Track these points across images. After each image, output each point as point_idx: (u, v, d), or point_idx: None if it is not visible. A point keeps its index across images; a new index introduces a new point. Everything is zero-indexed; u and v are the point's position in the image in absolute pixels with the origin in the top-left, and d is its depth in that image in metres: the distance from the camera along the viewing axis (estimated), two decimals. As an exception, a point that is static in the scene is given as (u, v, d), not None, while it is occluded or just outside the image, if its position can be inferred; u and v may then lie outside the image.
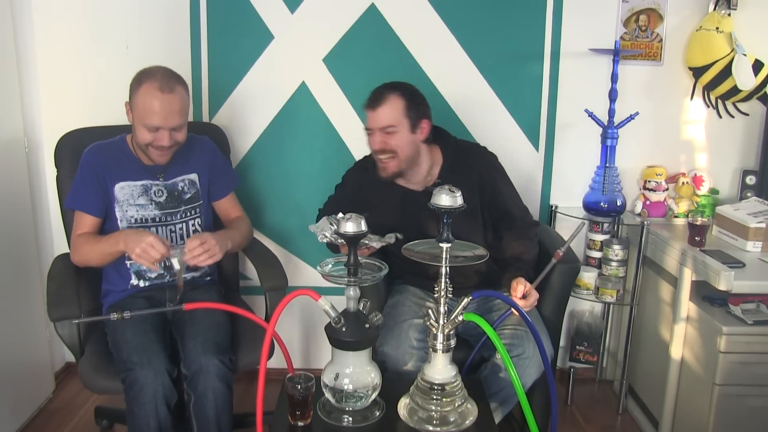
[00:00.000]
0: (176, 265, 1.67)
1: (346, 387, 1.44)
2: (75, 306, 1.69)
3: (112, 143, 1.84)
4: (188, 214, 1.87)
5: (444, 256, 1.42)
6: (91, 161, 1.79)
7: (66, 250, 1.95)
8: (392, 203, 1.92)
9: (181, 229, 1.87)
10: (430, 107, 1.94)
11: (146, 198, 1.82)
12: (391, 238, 1.72)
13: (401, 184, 1.94)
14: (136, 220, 1.80)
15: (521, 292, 1.78)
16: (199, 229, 1.90)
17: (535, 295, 1.81)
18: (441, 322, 1.44)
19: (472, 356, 1.83)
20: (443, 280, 1.43)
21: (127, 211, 1.80)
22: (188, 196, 1.87)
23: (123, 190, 1.80)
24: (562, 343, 2.41)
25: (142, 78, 1.71)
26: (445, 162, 1.93)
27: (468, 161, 1.94)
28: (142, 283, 1.83)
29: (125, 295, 1.82)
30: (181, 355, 1.67)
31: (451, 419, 1.44)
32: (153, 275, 1.84)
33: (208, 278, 1.94)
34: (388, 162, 1.86)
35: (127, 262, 1.82)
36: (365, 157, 2.05)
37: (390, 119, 1.81)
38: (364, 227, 1.42)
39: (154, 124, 1.68)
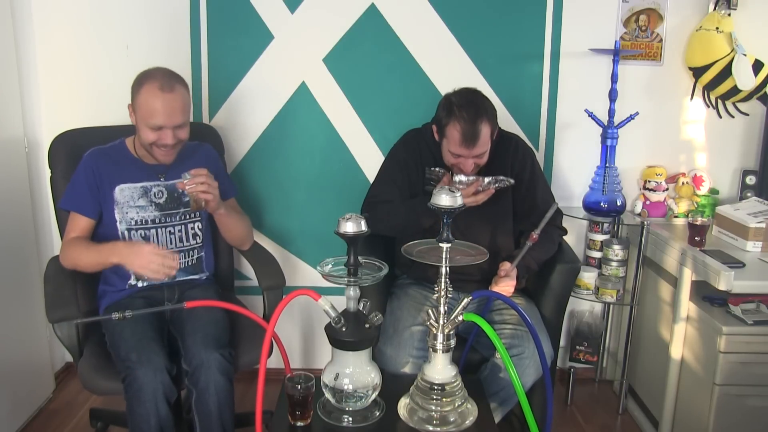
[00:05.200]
0: (188, 187, 1.72)
1: (346, 387, 1.44)
2: (74, 307, 1.69)
3: (112, 147, 1.85)
4: (187, 216, 1.87)
5: (444, 256, 1.42)
6: (90, 164, 1.79)
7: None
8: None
9: (180, 231, 1.86)
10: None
11: (146, 199, 1.82)
12: (511, 181, 1.81)
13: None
14: (136, 221, 1.81)
15: (504, 271, 1.85)
16: (198, 233, 1.90)
17: (512, 281, 1.85)
18: (441, 322, 1.44)
19: (466, 350, 1.83)
20: (443, 280, 1.43)
21: (127, 213, 1.80)
22: (187, 198, 1.86)
23: (123, 192, 1.80)
24: (562, 343, 2.41)
25: (142, 80, 1.72)
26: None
27: (507, 149, 2.00)
28: (140, 283, 1.84)
29: (123, 295, 1.82)
30: (182, 351, 1.67)
31: (451, 419, 1.44)
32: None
33: (205, 277, 1.94)
34: (471, 172, 1.90)
35: None
36: (410, 132, 2.07)
37: (485, 146, 1.85)
38: (364, 227, 1.42)
39: (158, 123, 1.70)
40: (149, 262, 1.63)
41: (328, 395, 1.47)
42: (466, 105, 1.82)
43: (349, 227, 1.41)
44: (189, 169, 1.76)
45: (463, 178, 1.79)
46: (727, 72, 2.26)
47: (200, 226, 1.90)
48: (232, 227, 1.91)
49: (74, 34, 2.28)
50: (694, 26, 2.30)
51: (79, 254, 1.75)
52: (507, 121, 2.36)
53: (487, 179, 1.81)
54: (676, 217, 2.42)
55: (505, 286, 1.85)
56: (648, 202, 2.42)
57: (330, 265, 1.49)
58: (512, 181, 1.77)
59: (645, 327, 2.33)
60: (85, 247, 1.76)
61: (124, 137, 1.87)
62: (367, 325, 1.45)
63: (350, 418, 1.46)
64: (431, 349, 1.47)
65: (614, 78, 2.21)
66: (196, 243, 1.90)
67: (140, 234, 1.81)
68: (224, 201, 1.96)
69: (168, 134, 1.72)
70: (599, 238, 2.39)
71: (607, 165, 2.25)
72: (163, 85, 1.68)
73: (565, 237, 2.09)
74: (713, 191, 2.43)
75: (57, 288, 1.75)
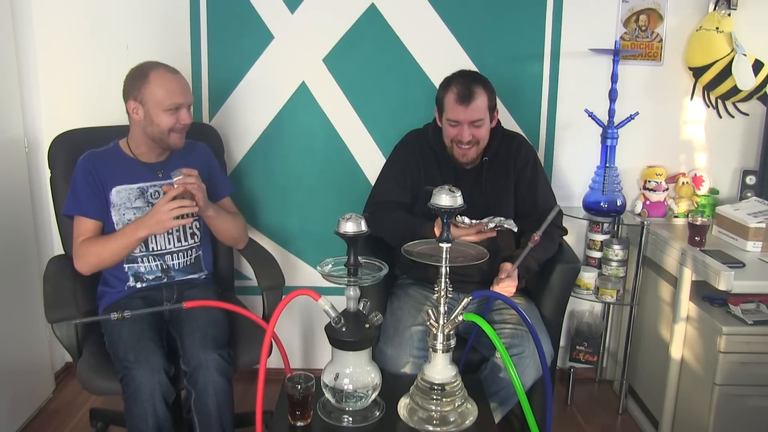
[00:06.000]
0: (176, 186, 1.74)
1: (346, 387, 1.44)
2: (73, 307, 1.70)
3: (107, 150, 1.85)
4: (185, 215, 1.87)
5: (444, 256, 1.42)
6: (86, 167, 1.80)
7: (62, 251, 1.94)
8: (447, 178, 1.96)
9: (177, 230, 1.86)
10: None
11: (143, 200, 1.82)
12: (512, 225, 1.75)
13: (457, 160, 1.96)
14: None
15: (505, 272, 1.84)
16: (196, 231, 1.90)
17: (513, 282, 1.85)
18: (441, 322, 1.44)
19: (467, 350, 1.83)
20: (443, 280, 1.43)
21: (124, 214, 1.80)
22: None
23: (119, 193, 1.81)
24: (562, 343, 2.41)
25: (145, 71, 1.75)
26: (491, 144, 1.98)
27: (510, 147, 2.02)
28: (139, 285, 1.84)
29: (122, 296, 1.83)
30: (180, 351, 1.67)
31: (451, 419, 1.44)
32: (151, 276, 1.84)
33: (204, 276, 1.95)
34: (470, 150, 1.92)
35: (125, 265, 1.82)
36: (412, 133, 2.09)
37: (480, 113, 1.87)
38: (364, 227, 1.42)
39: (177, 102, 1.76)
40: (169, 210, 1.68)
41: (328, 395, 1.47)
42: (462, 74, 1.91)
43: (349, 227, 1.41)
44: (186, 165, 1.76)
45: (466, 219, 1.79)
46: (727, 72, 2.26)
47: (198, 225, 1.90)
48: (222, 228, 1.91)
49: (74, 35, 2.28)
50: (694, 26, 2.30)
51: (101, 250, 1.76)
52: (507, 121, 2.36)
53: (491, 224, 1.80)
54: (676, 217, 2.42)
55: (507, 287, 1.85)
56: (648, 202, 2.42)
57: (330, 265, 1.49)
58: (515, 228, 1.76)
59: (645, 327, 2.33)
60: (103, 242, 1.77)
61: (117, 139, 1.88)
62: (367, 325, 1.45)
63: (350, 418, 1.46)
64: (431, 349, 1.47)
65: (614, 78, 2.21)
66: (194, 242, 1.91)
67: None
68: (218, 200, 1.97)
69: (185, 113, 1.78)
70: (599, 238, 2.39)
71: (607, 165, 2.25)
72: (168, 68, 1.79)
73: (565, 237, 2.09)
74: (713, 191, 2.43)
75: (56, 288, 1.75)
